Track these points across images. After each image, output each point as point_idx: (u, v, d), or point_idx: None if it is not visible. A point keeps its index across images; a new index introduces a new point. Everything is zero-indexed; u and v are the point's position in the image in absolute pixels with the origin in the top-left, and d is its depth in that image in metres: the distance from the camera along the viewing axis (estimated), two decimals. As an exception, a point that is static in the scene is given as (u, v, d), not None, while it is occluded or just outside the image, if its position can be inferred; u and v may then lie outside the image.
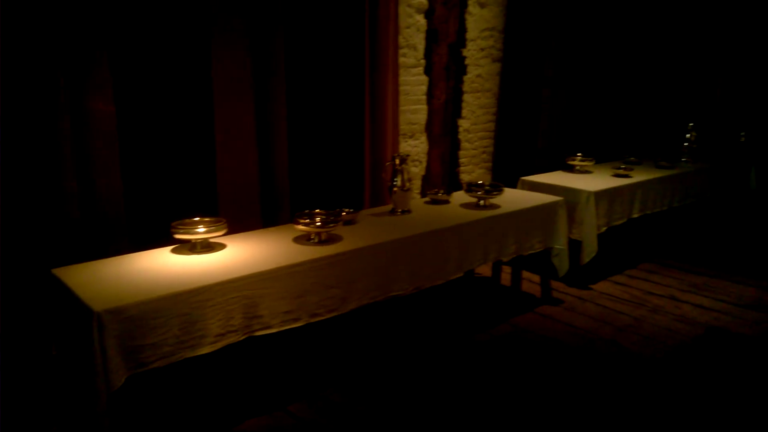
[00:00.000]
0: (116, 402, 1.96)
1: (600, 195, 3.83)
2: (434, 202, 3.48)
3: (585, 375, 2.86)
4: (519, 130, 4.73)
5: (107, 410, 1.89)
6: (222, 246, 2.51)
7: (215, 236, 2.46)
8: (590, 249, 3.80)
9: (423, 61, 4.07)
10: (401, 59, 3.90)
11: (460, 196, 3.55)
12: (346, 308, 2.54)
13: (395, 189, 3.16)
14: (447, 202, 3.48)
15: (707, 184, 4.86)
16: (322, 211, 2.68)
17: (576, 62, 4.89)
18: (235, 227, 2.73)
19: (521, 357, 3.03)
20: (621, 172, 4.24)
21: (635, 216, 4.15)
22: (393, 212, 3.17)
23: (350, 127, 3.50)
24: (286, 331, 2.35)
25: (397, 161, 3.15)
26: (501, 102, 4.72)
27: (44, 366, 2.34)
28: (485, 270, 4.02)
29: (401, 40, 3.88)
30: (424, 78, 4.11)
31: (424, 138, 4.23)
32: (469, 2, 4.30)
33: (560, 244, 3.64)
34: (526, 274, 3.93)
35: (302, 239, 2.61)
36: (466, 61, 4.41)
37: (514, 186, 4.12)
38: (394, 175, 3.15)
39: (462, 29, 4.32)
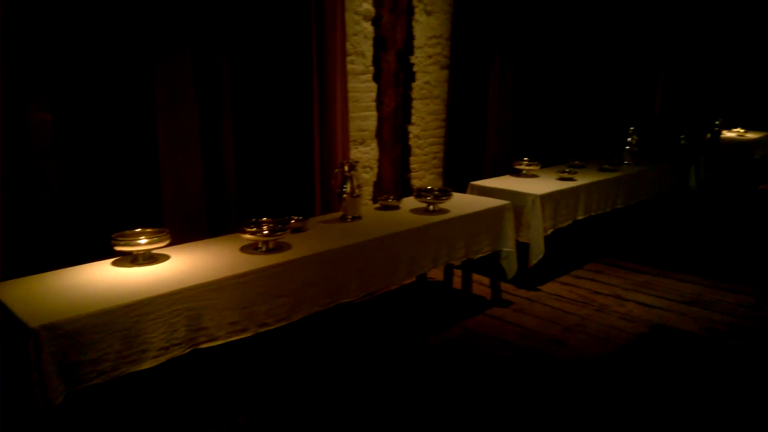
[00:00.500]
0: (58, 419, 1.89)
1: (546, 198, 3.92)
2: (384, 208, 3.49)
3: (532, 375, 2.91)
4: (468, 135, 4.81)
5: (46, 427, 1.83)
6: (165, 257, 2.46)
7: (158, 247, 2.41)
8: (537, 251, 3.89)
9: (371, 68, 4.09)
10: (349, 66, 3.91)
11: (410, 202, 3.58)
12: (295, 317, 2.52)
13: (345, 196, 3.16)
14: (397, 207, 3.51)
15: (649, 186, 5.04)
16: (270, 220, 2.66)
17: (521, 69, 5.00)
18: (181, 238, 2.68)
19: (472, 360, 3.07)
20: (566, 175, 4.36)
21: (580, 218, 4.27)
22: (343, 219, 3.16)
23: (299, 135, 3.49)
24: (232, 343, 2.31)
25: (346, 168, 3.15)
26: (450, 108, 4.79)
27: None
28: (438, 274, 4.06)
29: (349, 47, 3.89)
30: (373, 85, 4.13)
31: (374, 144, 4.25)
32: (416, 10, 4.36)
33: (508, 247, 3.72)
34: (476, 276, 3.99)
35: (249, 248, 2.58)
36: (415, 68, 4.45)
37: (464, 190, 4.19)
38: (344, 182, 3.16)
39: (409, 36, 4.37)
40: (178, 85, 2.86)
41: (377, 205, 3.55)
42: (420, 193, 3.48)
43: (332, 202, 3.62)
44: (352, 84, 3.96)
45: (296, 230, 2.85)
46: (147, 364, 2.08)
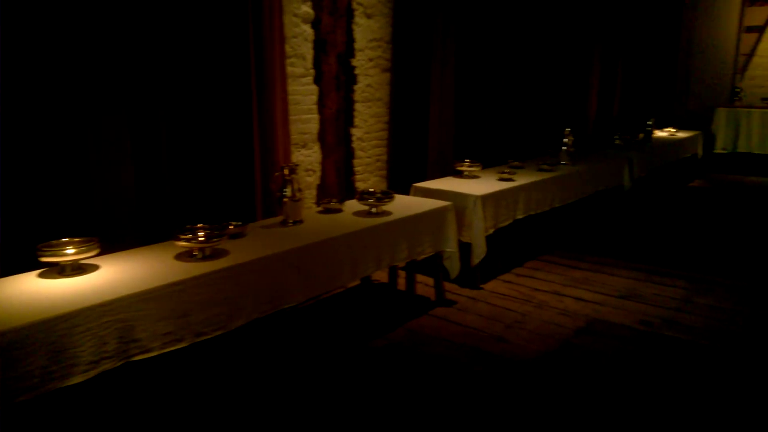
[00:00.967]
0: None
1: (487, 199, 4.00)
2: (327, 211, 3.48)
3: (475, 374, 2.96)
4: (411, 138, 4.85)
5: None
6: (95, 267, 2.37)
7: (86, 257, 2.31)
8: (480, 250, 3.96)
9: (312, 71, 4.07)
10: (289, 68, 3.87)
11: (353, 205, 3.58)
12: (234, 325, 2.47)
13: (286, 200, 3.13)
14: (340, 210, 3.50)
15: (585, 185, 5.21)
16: (206, 226, 2.60)
17: (462, 73, 5.08)
18: (112, 247, 2.58)
19: (415, 361, 3.09)
20: (506, 176, 4.46)
21: (520, 217, 4.37)
22: (284, 223, 3.13)
23: (238, 139, 3.42)
24: (168, 354, 2.25)
25: (287, 171, 3.12)
26: (393, 111, 4.81)
27: None
28: (383, 276, 4.07)
29: (288, 50, 3.86)
30: (314, 88, 4.11)
31: (317, 147, 4.22)
32: (356, 13, 4.36)
33: (451, 247, 3.77)
34: (420, 277, 4.02)
35: (184, 256, 2.51)
36: (356, 71, 4.46)
37: (408, 192, 4.22)
38: (284, 186, 3.12)
39: (350, 39, 4.36)
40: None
41: (320, 208, 3.53)
42: (362, 196, 3.48)
43: (273, 206, 3.57)
44: (293, 87, 3.92)
45: (234, 236, 2.80)
46: (76, 379, 1.99)
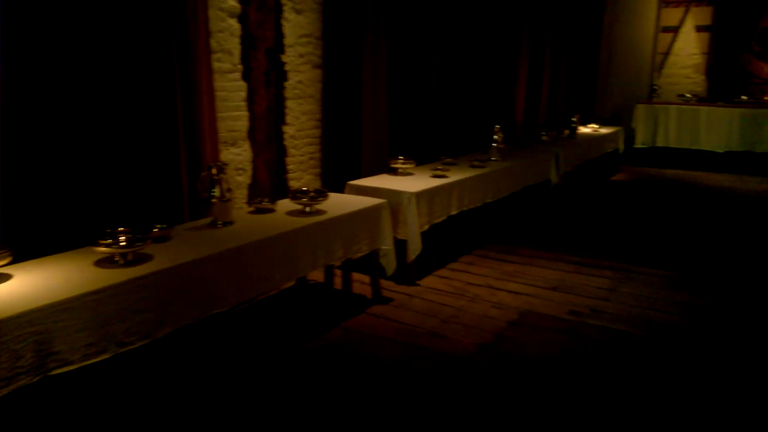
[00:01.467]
0: None
1: (421, 195, 4.02)
2: (259, 211, 3.39)
3: (412, 370, 2.97)
4: (345, 135, 4.81)
5: None
6: (7, 277, 2.20)
7: (-4, 267, 2.15)
8: (415, 247, 3.98)
9: (240, 67, 3.95)
10: (216, 64, 3.75)
11: (286, 204, 3.51)
12: (161, 332, 2.37)
13: (214, 200, 3.02)
14: (272, 210, 3.42)
15: (515, 180, 5.34)
16: (128, 229, 2.47)
17: (394, 70, 5.09)
18: (28, 255, 2.41)
19: (352, 360, 3.07)
20: (439, 172, 4.50)
21: (454, 213, 4.43)
22: (213, 225, 3.03)
23: (162, 138, 3.28)
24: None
25: (215, 171, 3.02)
26: (325, 108, 4.76)
27: None
28: (319, 275, 4.02)
29: (214, 45, 3.73)
30: (243, 84, 3.99)
31: (247, 145, 4.11)
32: (285, 8, 4.27)
33: (387, 245, 3.77)
34: (357, 275, 3.99)
35: (105, 262, 2.38)
36: (287, 67, 4.37)
37: (342, 190, 4.18)
38: (213, 186, 3.02)
39: (280, 35, 4.27)
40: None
41: (251, 208, 3.44)
42: (295, 195, 3.42)
43: (201, 207, 3.45)
44: (220, 83, 3.80)
45: (159, 240, 2.68)
46: (-14, 398, 1.85)
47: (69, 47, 2.77)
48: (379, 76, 4.86)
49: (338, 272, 3.94)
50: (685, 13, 10.09)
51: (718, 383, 2.87)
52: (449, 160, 4.95)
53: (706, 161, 9.02)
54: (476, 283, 4.17)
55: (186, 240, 2.76)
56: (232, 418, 2.52)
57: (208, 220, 3.07)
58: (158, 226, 2.71)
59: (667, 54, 10.40)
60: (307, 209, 3.36)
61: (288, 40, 4.35)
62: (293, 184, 4.58)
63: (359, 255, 3.58)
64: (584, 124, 8.62)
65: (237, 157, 4.04)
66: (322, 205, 3.44)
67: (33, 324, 1.95)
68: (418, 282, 4.15)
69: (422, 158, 5.01)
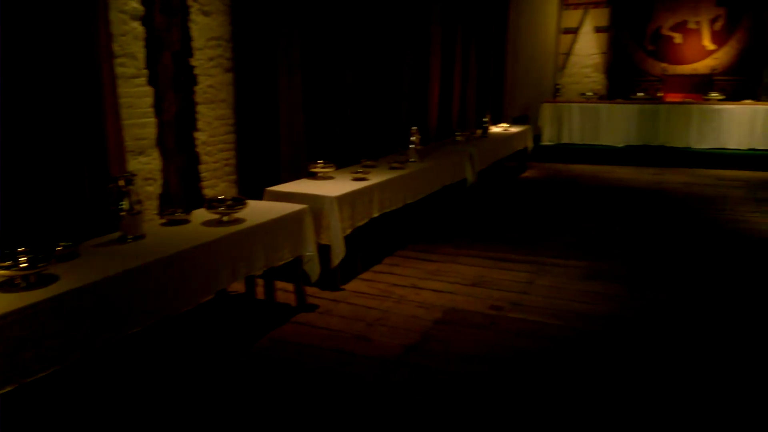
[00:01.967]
0: None
1: (342, 199, 3.99)
2: (172, 223, 3.23)
3: (339, 376, 2.93)
4: (261, 140, 4.70)
5: None
6: None
7: None
8: (339, 252, 3.95)
9: (146, 71, 3.76)
10: (119, 69, 3.54)
11: (201, 214, 3.36)
12: (71, 358, 2.19)
13: (123, 213, 2.85)
14: (187, 221, 3.27)
15: (433, 181, 5.43)
16: (29, 249, 2.27)
17: (309, 70, 5.03)
18: None
19: (281, 370, 2.99)
20: (359, 175, 4.49)
21: (376, 215, 4.43)
22: (123, 240, 2.85)
23: (64, 148, 3.05)
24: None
25: (122, 182, 2.85)
26: (238, 112, 4.62)
27: None
28: (239, 286, 3.89)
29: (117, 49, 3.53)
30: (149, 89, 3.80)
31: (156, 154, 3.91)
32: (192, 10, 4.10)
33: (310, 251, 3.70)
34: (280, 284, 3.90)
35: (5, 286, 2.17)
36: (196, 71, 4.20)
37: (261, 197, 4.08)
38: (120, 198, 2.84)
39: (187, 38, 4.10)
40: None
41: (163, 220, 3.27)
42: (211, 204, 3.30)
43: (110, 221, 3.25)
44: (125, 89, 3.60)
45: (65, 258, 2.49)
46: None
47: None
48: (294, 78, 4.79)
49: (260, 281, 3.84)
50: (584, 14, 10.69)
51: (635, 367, 3.04)
52: (369, 162, 4.96)
53: (607, 156, 9.59)
54: (401, 284, 4.19)
55: (94, 257, 2.58)
56: (154, 444, 2.38)
57: (117, 234, 2.89)
58: (63, 243, 2.52)
59: (568, 54, 10.97)
60: (225, 218, 3.24)
61: (196, 43, 4.19)
62: (208, 192, 4.41)
63: (282, 263, 3.50)
64: (495, 123, 8.91)
65: (146, 166, 3.84)
66: (240, 214, 3.33)
67: None
68: (344, 287, 4.12)
69: (342, 161, 4.98)
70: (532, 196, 7.45)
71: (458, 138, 7.14)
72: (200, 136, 4.32)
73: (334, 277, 4.06)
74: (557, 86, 10.67)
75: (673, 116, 9.33)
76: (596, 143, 9.83)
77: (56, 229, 2.84)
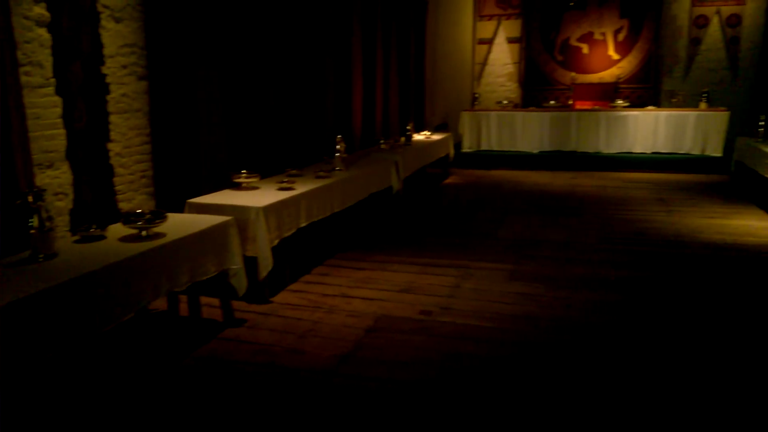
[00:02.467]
0: None
1: (268, 209, 3.92)
2: (86, 239, 3.06)
3: (271, 392, 2.87)
4: (179, 150, 4.53)
5: None
6: None
7: None
8: (266, 263, 3.87)
9: (53, 80, 3.54)
10: (25, 78, 3.32)
11: (118, 229, 3.20)
12: (-25, 391, 2.02)
13: (33, 231, 2.66)
14: (103, 237, 3.11)
15: (359, 189, 5.44)
16: None
17: (228, 76, 4.91)
18: None
19: (208, 390, 2.88)
20: (285, 185, 4.43)
21: (303, 225, 4.38)
22: (33, 259, 2.66)
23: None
24: None
25: (31, 198, 2.66)
26: (155, 122, 4.44)
27: None
28: (161, 303, 3.72)
29: (21, 57, 3.30)
30: (57, 99, 3.58)
31: (66, 167, 3.68)
32: (102, 16, 3.91)
33: (236, 264, 3.61)
34: (205, 299, 3.77)
35: None
36: (108, 80, 4.00)
37: (182, 210, 3.93)
38: (29, 215, 2.65)
39: (98, 45, 3.90)
40: None
41: (77, 237, 3.09)
42: (129, 218, 3.15)
43: (20, 239, 3.02)
44: (31, 99, 3.37)
45: (-34, 282, 2.29)
46: None
47: None
48: (212, 85, 4.66)
49: (184, 298, 3.69)
50: (498, 26, 11.09)
51: (563, 362, 3.16)
52: (294, 171, 4.90)
53: (524, 161, 9.98)
54: (331, 293, 4.16)
55: (1, 278, 2.39)
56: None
57: (27, 253, 2.69)
58: (-38, 266, 2.32)
59: (484, 64, 11.33)
60: (144, 233, 3.11)
61: (108, 50, 3.99)
62: (124, 206, 4.20)
63: (206, 277, 3.39)
64: (417, 131, 9.07)
65: (55, 180, 3.61)
66: (160, 228, 3.20)
67: None
68: (272, 299, 4.04)
69: (267, 171, 4.90)
70: (456, 201, 7.62)
71: (383, 146, 7.20)
72: (114, 147, 4.11)
73: (262, 290, 3.97)
74: (475, 95, 11.00)
75: (583, 123, 9.85)
76: (513, 150, 10.21)
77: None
